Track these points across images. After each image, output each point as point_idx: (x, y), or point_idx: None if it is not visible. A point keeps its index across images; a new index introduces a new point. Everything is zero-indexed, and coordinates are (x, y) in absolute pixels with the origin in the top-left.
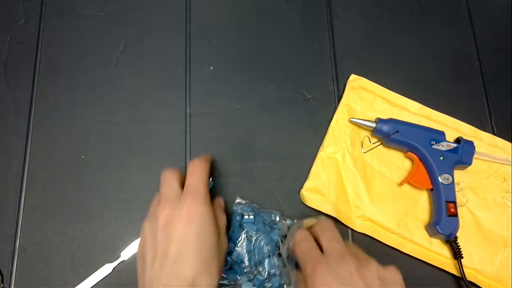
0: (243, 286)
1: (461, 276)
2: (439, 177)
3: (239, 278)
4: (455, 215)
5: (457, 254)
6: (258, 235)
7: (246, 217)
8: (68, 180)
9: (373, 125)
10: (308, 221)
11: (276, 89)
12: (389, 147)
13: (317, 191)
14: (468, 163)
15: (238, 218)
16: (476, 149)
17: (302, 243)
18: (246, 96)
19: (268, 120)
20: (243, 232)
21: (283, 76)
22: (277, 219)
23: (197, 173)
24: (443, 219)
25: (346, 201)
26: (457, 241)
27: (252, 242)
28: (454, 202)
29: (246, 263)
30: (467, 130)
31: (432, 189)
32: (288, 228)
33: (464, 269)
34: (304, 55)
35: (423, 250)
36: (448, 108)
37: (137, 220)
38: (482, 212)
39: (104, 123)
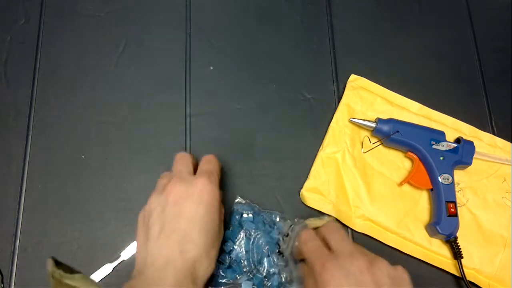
0: (242, 285)
1: (461, 276)
2: (439, 177)
3: (238, 277)
4: (455, 215)
5: (457, 254)
6: (257, 233)
7: (245, 215)
8: (68, 180)
9: (373, 125)
10: (311, 221)
11: (276, 89)
12: (389, 147)
13: (317, 191)
14: (468, 163)
15: (237, 217)
16: (476, 149)
17: (309, 242)
18: (246, 96)
19: (268, 120)
20: (242, 231)
21: (283, 76)
22: (277, 219)
23: (213, 162)
24: (443, 219)
25: (346, 201)
26: (457, 241)
27: (251, 240)
28: (454, 202)
29: (245, 262)
30: (467, 130)
31: (432, 189)
32: (291, 226)
33: (464, 269)
34: (304, 55)
35: (423, 250)
36: (448, 108)
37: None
38: (482, 212)
39: (104, 123)
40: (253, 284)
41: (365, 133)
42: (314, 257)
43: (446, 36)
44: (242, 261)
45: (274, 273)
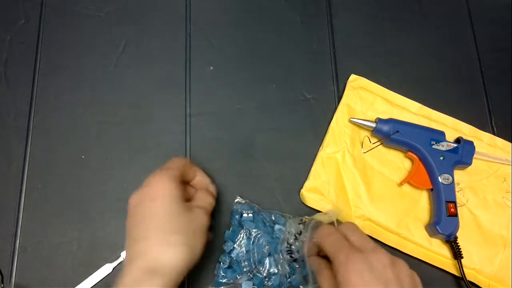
0: (242, 285)
1: (461, 276)
2: (439, 177)
3: (238, 277)
4: (455, 215)
5: (457, 254)
6: (257, 233)
7: (245, 215)
8: (68, 180)
9: (373, 125)
10: (319, 216)
11: (276, 89)
12: (389, 147)
13: (317, 191)
14: (468, 163)
15: (237, 217)
16: (476, 149)
17: (331, 235)
18: (246, 96)
19: (268, 120)
20: (242, 230)
21: (283, 76)
22: (282, 218)
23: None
24: (443, 219)
25: (346, 201)
26: (457, 241)
27: (251, 240)
28: (454, 202)
29: (245, 262)
30: (467, 130)
31: (432, 189)
32: (303, 223)
33: (464, 269)
34: (304, 55)
35: (423, 250)
36: (448, 108)
37: None
38: (482, 212)
39: (104, 123)
40: (254, 284)
41: (365, 133)
42: (337, 249)
43: (446, 36)
44: (242, 261)
45: (274, 273)
